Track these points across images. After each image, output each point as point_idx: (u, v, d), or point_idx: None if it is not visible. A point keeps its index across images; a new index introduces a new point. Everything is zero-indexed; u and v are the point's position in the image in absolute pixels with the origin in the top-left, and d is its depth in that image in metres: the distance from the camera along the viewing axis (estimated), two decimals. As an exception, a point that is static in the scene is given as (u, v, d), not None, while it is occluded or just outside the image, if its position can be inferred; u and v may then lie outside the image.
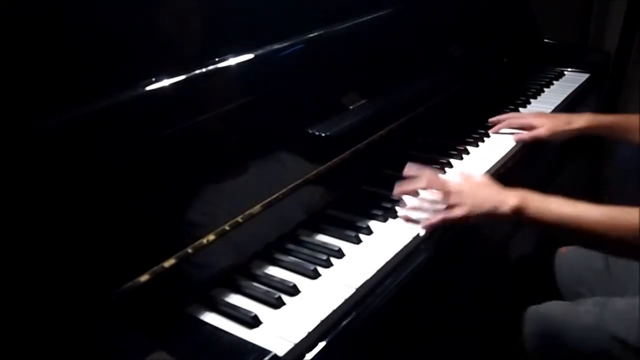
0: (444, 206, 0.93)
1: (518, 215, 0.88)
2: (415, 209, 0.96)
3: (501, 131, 1.27)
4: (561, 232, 0.88)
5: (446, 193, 0.93)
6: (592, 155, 2.24)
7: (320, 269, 0.81)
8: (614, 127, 1.21)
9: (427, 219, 0.92)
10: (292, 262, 0.83)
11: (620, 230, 0.81)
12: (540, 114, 1.31)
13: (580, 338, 0.95)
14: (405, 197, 0.98)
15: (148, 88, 0.77)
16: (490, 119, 1.29)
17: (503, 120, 1.28)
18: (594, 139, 1.35)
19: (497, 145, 1.23)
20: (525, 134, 1.23)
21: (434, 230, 0.91)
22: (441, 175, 1.03)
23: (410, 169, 0.98)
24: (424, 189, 0.96)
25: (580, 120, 1.22)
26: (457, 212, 0.90)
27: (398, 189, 0.97)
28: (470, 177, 0.98)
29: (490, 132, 1.27)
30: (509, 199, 0.89)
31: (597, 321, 0.95)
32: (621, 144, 1.24)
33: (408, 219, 0.94)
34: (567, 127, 1.22)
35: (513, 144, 1.22)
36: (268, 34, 0.96)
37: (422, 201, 0.97)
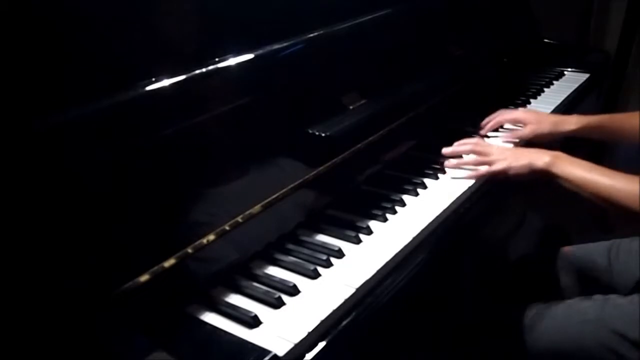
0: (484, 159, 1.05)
1: (548, 170, 1.00)
2: (460, 164, 1.07)
3: (492, 133, 1.27)
4: (584, 194, 0.97)
5: (489, 152, 1.06)
6: (592, 155, 2.24)
7: (320, 269, 0.81)
8: (604, 127, 1.21)
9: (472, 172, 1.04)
10: (292, 262, 0.83)
11: (631, 199, 0.89)
12: (531, 112, 1.31)
13: (580, 333, 0.95)
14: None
15: (148, 88, 0.77)
16: (482, 123, 1.29)
17: (493, 119, 1.28)
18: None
19: (497, 145, 1.23)
20: (509, 133, 1.25)
21: (483, 180, 1.02)
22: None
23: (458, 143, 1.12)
24: (471, 151, 1.09)
25: (569, 123, 1.22)
26: (499, 165, 1.03)
27: (447, 149, 1.12)
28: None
29: (481, 132, 1.27)
30: (544, 156, 1.01)
31: (597, 316, 0.95)
32: (620, 144, 1.24)
33: (454, 165, 1.07)
34: (554, 129, 1.22)
35: (512, 143, 1.22)
36: (268, 34, 0.96)
37: (467, 151, 1.09)
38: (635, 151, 1.18)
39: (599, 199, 0.95)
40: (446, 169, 1.08)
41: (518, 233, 1.52)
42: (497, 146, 1.12)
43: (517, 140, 1.23)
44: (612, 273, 1.08)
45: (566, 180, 0.98)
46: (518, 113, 1.29)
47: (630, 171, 0.93)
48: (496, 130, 1.28)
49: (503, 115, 1.28)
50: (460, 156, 1.11)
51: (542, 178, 1.02)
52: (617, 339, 0.91)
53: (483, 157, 1.06)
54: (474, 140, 1.14)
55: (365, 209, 0.95)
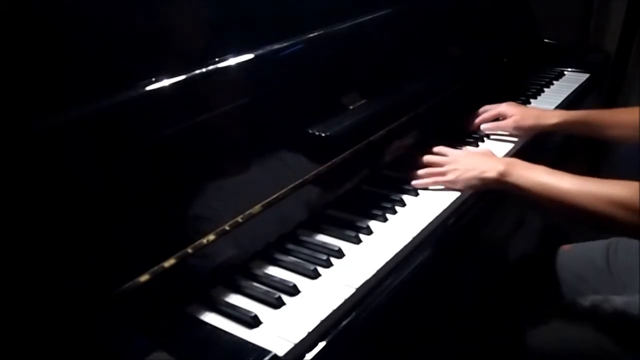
0: (435, 170, 1.03)
1: (501, 180, 0.95)
2: (421, 174, 1.05)
3: (495, 136, 1.27)
4: (541, 200, 0.92)
5: (442, 162, 1.04)
6: (592, 155, 2.24)
7: (320, 269, 0.81)
8: (588, 123, 1.18)
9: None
10: (292, 262, 0.83)
11: (595, 202, 0.84)
12: (513, 104, 1.29)
13: (579, 333, 0.95)
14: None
15: (148, 88, 0.77)
16: (471, 127, 1.28)
17: (478, 117, 1.28)
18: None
19: (497, 145, 1.23)
20: (490, 125, 1.24)
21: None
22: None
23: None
24: (434, 154, 1.08)
25: (551, 117, 1.21)
26: (448, 177, 1.01)
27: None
28: (474, 150, 1.11)
29: (470, 128, 1.28)
30: (497, 165, 0.96)
31: (597, 315, 0.95)
32: (604, 140, 1.23)
33: (415, 182, 1.03)
34: (536, 122, 1.20)
35: (512, 144, 1.22)
36: (268, 34, 0.96)
37: (423, 163, 1.07)
38: (636, 152, 1.18)
39: (556, 204, 0.89)
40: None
41: (518, 233, 1.51)
42: (456, 154, 1.07)
43: (515, 138, 1.22)
44: (611, 272, 1.08)
45: (521, 188, 0.93)
46: (502, 107, 1.26)
47: (630, 172, 0.92)
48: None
49: (488, 112, 1.27)
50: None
51: (497, 189, 0.98)
52: (616, 340, 0.91)
53: (437, 167, 1.04)
54: (435, 149, 1.10)
55: (365, 209, 0.95)
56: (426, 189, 1.03)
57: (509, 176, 0.95)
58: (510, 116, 1.22)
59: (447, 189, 1.02)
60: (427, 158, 1.08)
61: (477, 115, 1.29)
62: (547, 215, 1.44)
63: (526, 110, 1.27)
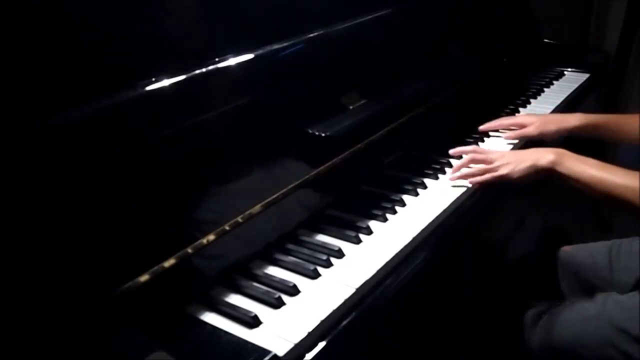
0: (487, 167, 1.04)
1: (553, 169, 0.98)
2: (462, 169, 1.05)
3: (495, 136, 1.27)
4: (589, 192, 0.95)
5: (490, 159, 1.04)
6: (592, 156, 2.24)
7: (320, 269, 0.81)
8: (607, 126, 1.20)
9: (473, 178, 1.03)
10: (292, 262, 0.83)
11: None
12: (532, 115, 1.30)
13: (581, 329, 0.95)
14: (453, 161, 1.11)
15: (148, 88, 0.77)
16: (481, 127, 1.28)
17: (495, 122, 1.28)
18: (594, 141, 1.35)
19: (497, 145, 1.23)
20: (512, 133, 1.24)
21: (480, 188, 1.01)
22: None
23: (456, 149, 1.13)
24: (471, 160, 1.08)
25: (572, 120, 1.22)
26: (503, 170, 1.01)
27: (452, 150, 1.12)
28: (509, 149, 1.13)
29: (480, 128, 1.27)
30: (548, 154, 1.00)
31: (598, 312, 0.95)
32: (622, 145, 1.24)
33: (457, 177, 1.04)
34: (558, 127, 1.21)
35: (512, 145, 1.22)
36: (268, 34, 0.96)
37: (467, 162, 1.07)
38: (637, 153, 1.18)
39: (605, 196, 0.94)
40: (446, 170, 1.08)
41: (518, 233, 1.51)
42: (496, 151, 1.10)
43: (517, 140, 1.23)
44: (613, 273, 1.08)
45: (572, 178, 0.97)
46: (520, 118, 1.27)
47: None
48: (496, 131, 1.28)
49: (504, 120, 1.28)
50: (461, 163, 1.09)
51: (547, 178, 1.01)
52: (618, 335, 0.91)
53: (485, 164, 1.05)
54: (471, 147, 1.13)
55: (365, 209, 0.95)
56: (426, 188, 1.03)
57: (560, 166, 0.98)
58: (531, 124, 1.23)
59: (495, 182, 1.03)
60: (473, 156, 1.08)
61: (494, 120, 1.29)
62: (548, 212, 1.45)
63: (546, 116, 1.28)
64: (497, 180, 1.02)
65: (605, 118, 1.22)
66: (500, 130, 1.27)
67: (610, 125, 1.20)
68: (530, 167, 1.00)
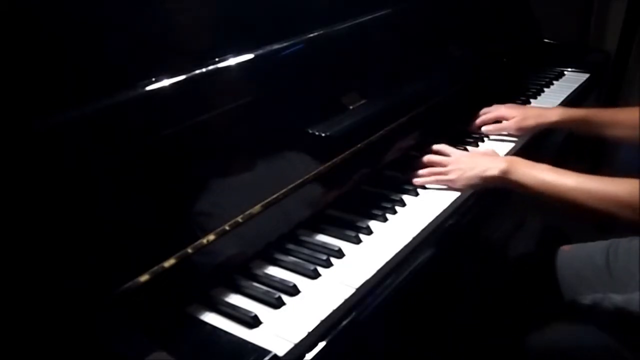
0: (436, 170, 1.04)
1: (504, 178, 0.96)
2: (423, 173, 1.05)
3: (495, 137, 1.27)
4: (543, 198, 0.93)
5: (445, 162, 1.04)
6: (592, 154, 2.24)
7: (320, 269, 0.81)
8: (588, 121, 1.19)
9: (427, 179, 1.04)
10: (292, 262, 0.83)
11: (596, 200, 0.86)
12: (512, 106, 1.30)
13: (579, 332, 0.95)
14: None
15: (148, 88, 0.77)
16: (470, 128, 1.29)
17: (478, 118, 1.28)
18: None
19: (497, 145, 1.23)
20: (491, 126, 1.24)
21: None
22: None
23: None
24: (436, 152, 1.09)
25: (551, 115, 1.21)
26: (450, 176, 1.01)
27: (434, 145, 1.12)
28: (477, 150, 1.14)
29: (469, 129, 1.28)
30: (499, 163, 0.98)
31: (597, 313, 0.95)
32: (621, 145, 1.24)
33: (415, 182, 1.04)
34: (537, 121, 1.21)
35: (512, 144, 1.22)
36: (268, 34, 0.96)
37: (424, 163, 1.08)
38: (636, 152, 1.18)
39: (559, 201, 0.91)
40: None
41: (518, 233, 1.52)
42: (458, 154, 1.08)
43: (497, 132, 1.23)
44: (611, 273, 1.08)
45: (523, 185, 0.95)
46: (502, 109, 1.27)
47: (630, 171, 0.93)
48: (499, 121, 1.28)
49: (489, 114, 1.28)
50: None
51: (499, 186, 0.99)
52: (616, 338, 0.91)
53: (441, 166, 1.05)
54: (436, 147, 1.12)
55: (365, 209, 0.95)
56: (426, 188, 1.03)
57: (512, 174, 0.96)
58: (512, 117, 1.23)
59: (448, 188, 1.02)
60: (429, 157, 1.08)
61: (478, 117, 1.29)
62: (549, 212, 1.44)
63: (527, 110, 1.28)
64: (442, 184, 1.02)
65: (586, 112, 1.21)
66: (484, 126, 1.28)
67: (591, 120, 1.19)
68: (478, 176, 0.99)
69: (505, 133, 1.25)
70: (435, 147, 1.12)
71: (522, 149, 1.22)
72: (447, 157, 1.07)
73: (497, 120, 1.27)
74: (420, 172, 1.05)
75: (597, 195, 0.86)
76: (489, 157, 1.05)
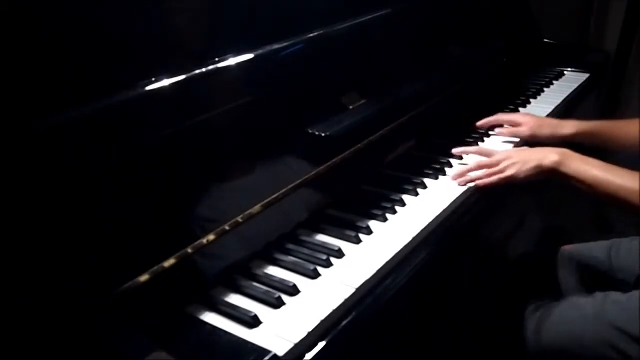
0: (494, 170, 1.04)
1: (557, 169, 0.98)
2: (465, 171, 1.05)
3: (495, 136, 1.26)
4: (593, 193, 0.95)
5: (495, 161, 1.04)
6: (594, 155, 2.24)
7: (320, 269, 0.81)
8: (602, 134, 1.19)
9: (479, 179, 1.03)
10: (292, 262, 0.83)
11: None
12: (529, 114, 1.30)
13: (581, 330, 0.95)
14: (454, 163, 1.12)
15: (148, 88, 0.77)
16: (478, 123, 1.28)
17: (492, 118, 1.28)
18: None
19: (497, 145, 1.23)
20: (505, 130, 1.24)
21: (483, 189, 1.01)
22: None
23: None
24: (477, 165, 1.07)
25: (567, 128, 1.21)
26: (509, 172, 1.01)
27: (455, 149, 1.14)
28: (511, 148, 1.15)
29: (478, 124, 1.27)
30: (552, 154, 1.00)
31: (597, 312, 0.95)
32: (618, 152, 1.23)
33: (460, 177, 1.04)
34: (552, 132, 1.21)
35: (513, 143, 1.22)
36: (268, 34, 0.96)
37: (475, 166, 1.07)
38: (636, 157, 1.18)
39: (610, 198, 0.93)
40: (446, 170, 1.08)
41: (518, 233, 1.51)
42: (504, 152, 1.09)
43: (517, 139, 1.22)
44: (613, 272, 1.08)
45: (576, 179, 0.97)
46: (517, 115, 1.28)
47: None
48: (492, 129, 1.28)
49: (501, 116, 1.28)
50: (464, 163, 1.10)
51: (551, 178, 1.01)
52: (617, 335, 0.91)
53: (492, 166, 1.05)
54: (474, 148, 1.13)
55: (365, 209, 0.95)
56: (426, 188, 1.03)
57: (565, 166, 0.98)
58: (526, 124, 1.22)
59: (461, 185, 1.03)
60: (479, 162, 1.07)
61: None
62: (549, 212, 1.44)
63: (542, 119, 1.27)
64: (504, 182, 1.02)
65: (600, 126, 1.21)
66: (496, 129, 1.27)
67: (605, 133, 1.19)
68: (536, 167, 1.00)
69: (496, 131, 1.25)
70: (470, 149, 1.13)
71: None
72: (494, 157, 1.07)
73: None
74: (477, 174, 1.04)
75: None
76: (538, 150, 1.05)
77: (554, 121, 1.26)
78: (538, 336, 0.99)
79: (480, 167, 1.06)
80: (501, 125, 1.28)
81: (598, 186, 0.94)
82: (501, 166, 1.03)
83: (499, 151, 1.11)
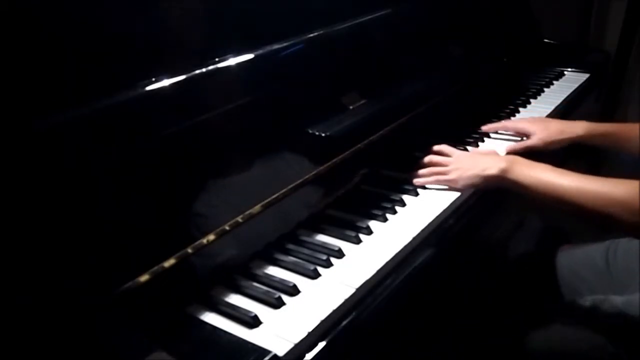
0: (438, 169, 1.04)
1: (503, 177, 0.96)
2: (423, 173, 1.05)
3: (495, 136, 1.26)
4: (542, 198, 0.93)
5: (447, 161, 1.04)
6: (592, 158, 2.24)
7: (320, 269, 0.81)
8: (611, 135, 1.18)
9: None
10: (292, 262, 0.83)
11: (595, 202, 0.85)
12: (536, 120, 1.28)
13: (579, 333, 0.95)
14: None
15: (148, 88, 0.77)
16: (483, 127, 1.28)
17: (499, 124, 1.28)
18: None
19: (497, 144, 1.23)
20: (517, 145, 1.20)
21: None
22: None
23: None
24: (436, 153, 1.09)
25: (576, 128, 1.20)
26: (450, 176, 1.01)
27: (435, 146, 1.12)
28: (477, 150, 1.14)
29: (483, 128, 1.27)
30: (499, 162, 0.98)
31: (596, 314, 0.95)
32: (627, 153, 1.23)
33: (416, 182, 1.04)
34: (563, 137, 1.19)
35: (512, 144, 1.22)
36: (268, 34, 0.96)
37: (426, 162, 1.08)
38: (637, 162, 1.17)
39: (558, 201, 0.90)
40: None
41: (518, 233, 1.51)
42: (458, 154, 1.08)
43: (523, 150, 1.18)
44: (611, 273, 1.08)
45: (522, 185, 0.94)
46: (523, 124, 1.24)
47: (630, 171, 0.92)
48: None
49: (508, 124, 1.27)
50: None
51: (499, 186, 0.98)
52: (615, 339, 0.91)
53: (440, 166, 1.04)
54: (439, 147, 1.12)
55: (365, 209, 0.95)
56: (426, 188, 1.03)
57: (510, 173, 0.95)
58: (533, 133, 1.20)
59: (448, 188, 1.02)
60: (430, 158, 1.08)
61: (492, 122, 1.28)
62: (549, 212, 1.43)
63: (549, 123, 1.24)
64: (443, 184, 1.02)
65: (609, 127, 1.20)
66: (499, 132, 1.27)
67: (615, 134, 1.18)
68: (476, 176, 0.99)
69: (507, 148, 1.20)
70: (436, 147, 1.12)
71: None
72: (448, 157, 1.07)
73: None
74: (421, 172, 1.05)
75: (596, 196, 0.85)
76: (489, 156, 1.04)
77: (560, 124, 1.24)
78: (537, 337, 0.99)
79: (430, 164, 1.06)
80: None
81: (545, 190, 0.91)
82: (446, 168, 1.03)
83: (458, 152, 1.09)
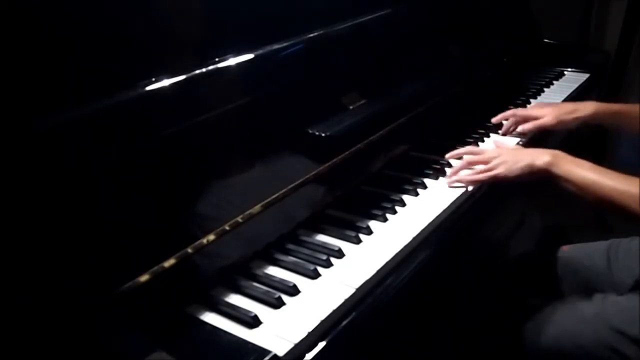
0: (483, 167, 1.03)
1: (549, 170, 0.98)
2: (456, 170, 1.05)
3: (495, 136, 1.27)
4: (584, 195, 0.95)
5: (486, 158, 1.04)
6: (592, 155, 2.24)
7: (320, 269, 0.81)
8: (621, 115, 1.20)
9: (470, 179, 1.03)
10: (292, 262, 0.83)
11: (637, 203, 0.87)
12: (543, 105, 1.31)
13: (579, 331, 0.95)
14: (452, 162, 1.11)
15: (148, 88, 0.77)
16: (494, 119, 1.29)
17: (508, 114, 1.28)
18: (595, 137, 1.34)
19: (491, 147, 1.22)
20: (529, 124, 1.23)
21: (475, 189, 1.00)
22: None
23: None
24: (466, 162, 1.07)
25: (586, 108, 1.21)
26: (499, 170, 1.01)
27: (448, 154, 1.12)
28: (504, 145, 1.16)
29: (493, 120, 1.28)
30: (544, 155, 0.99)
31: (596, 314, 0.95)
32: (622, 144, 1.24)
33: (455, 180, 1.03)
34: (572, 116, 1.21)
35: (515, 142, 1.22)
36: (268, 34, 0.96)
37: (465, 164, 1.06)
38: (636, 150, 1.18)
39: (600, 200, 0.93)
40: (447, 171, 1.08)
41: (518, 233, 1.52)
42: (492, 149, 1.10)
43: (537, 129, 1.22)
44: (612, 272, 1.08)
45: (567, 180, 0.96)
46: (533, 110, 1.27)
47: (630, 171, 0.93)
48: (496, 128, 1.28)
49: (517, 111, 1.27)
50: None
51: (542, 179, 1.00)
52: (616, 336, 0.91)
53: (482, 164, 1.04)
54: (466, 149, 1.12)
55: (365, 209, 0.95)
56: (426, 188, 1.03)
57: (556, 167, 0.97)
58: (544, 115, 1.22)
59: (461, 186, 1.02)
60: (468, 158, 1.07)
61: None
62: (549, 212, 1.44)
63: (559, 106, 1.27)
64: (493, 181, 1.02)
65: (619, 107, 1.22)
66: (503, 132, 1.27)
67: (624, 115, 1.19)
68: (526, 166, 0.99)
69: (520, 129, 1.24)
70: (463, 149, 1.12)
71: (525, 146, 1.21)
72: (484, 154, 1.07)
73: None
74: (462, 172, 1.04)
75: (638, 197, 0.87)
76: (530, 150, 1.05)
77: (572, 105, 1.26)
78: (537, 336, 0.99)
79: (470, 164, 1.06)
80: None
81: (589, 188, 0.94)
82: (491, 164, 1.03)
83: (491, 149, 1.10)
